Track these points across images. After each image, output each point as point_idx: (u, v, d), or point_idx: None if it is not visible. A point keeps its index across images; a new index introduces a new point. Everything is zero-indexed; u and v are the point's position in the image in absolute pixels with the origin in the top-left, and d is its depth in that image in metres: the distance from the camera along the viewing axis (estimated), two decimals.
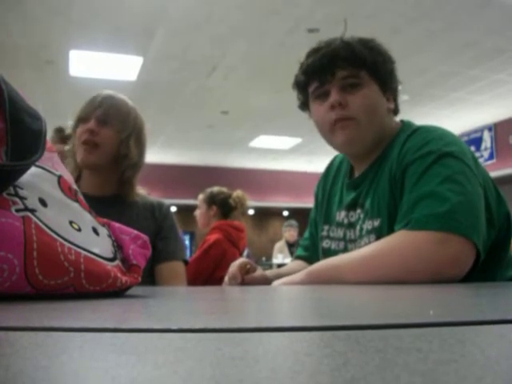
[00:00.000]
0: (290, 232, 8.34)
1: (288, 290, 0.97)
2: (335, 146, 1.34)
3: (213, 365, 0.23)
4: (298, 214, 11.45)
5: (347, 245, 1.34)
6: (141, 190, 1.78)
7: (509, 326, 0.35)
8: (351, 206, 1.35)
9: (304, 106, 1.40)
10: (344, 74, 1.27)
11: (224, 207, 3.41)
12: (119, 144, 1.66)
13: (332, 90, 1.28)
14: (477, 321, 0.36)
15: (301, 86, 1.37)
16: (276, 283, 1.25)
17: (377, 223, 1.23)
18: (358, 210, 1.32)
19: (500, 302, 0.61)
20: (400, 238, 1.09)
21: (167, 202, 1.88)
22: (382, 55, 1.32)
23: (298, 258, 1.59)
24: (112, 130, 1.64)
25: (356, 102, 1.26)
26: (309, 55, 1.33)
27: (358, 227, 1.31)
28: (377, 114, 1.29)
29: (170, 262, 1.70)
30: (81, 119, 1.64)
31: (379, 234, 1.21)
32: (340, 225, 1.39)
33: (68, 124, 1.80)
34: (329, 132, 1.30)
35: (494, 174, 7.97)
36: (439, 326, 0.34)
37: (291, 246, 8.09)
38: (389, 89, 1.33)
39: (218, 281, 3.05)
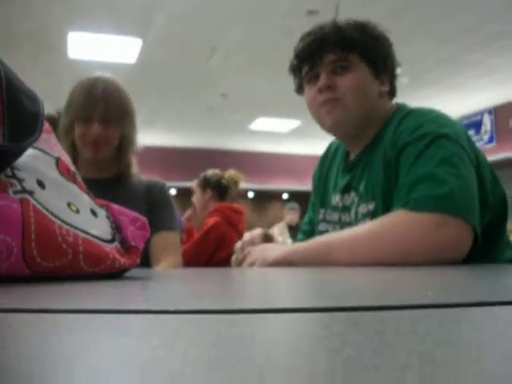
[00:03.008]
0: (292, 215, 8.37)
1: (286, 271, 0.98)
2: (325, 129, 1.35)
3: (209, 346, 0.23)
4: (297, 196, 11.44)
5: (343, 228, 1.34)
6: (135, 169, 1.78)
7: (505, 307, 0.35)
8: (345, 189, 1.36)
9: (300, 89, 1.42)
10: (332, 58, 1.29)
11: (218, 189, 3.41)
12: (121, 138, 1.69)
13: (321, 73, 1.30)
14: (474, 302, 0.36)
15: (295, 70, 1.39)
16: (273, 259, 1.19)
17: (371, 206, 1.23)
18: (352, 194, 1.33)
19: (497, 283, 0.61)
20: (399, 218, 1.08)
21: (167, 184, 1.88)
22: (375, 38, 1.32)
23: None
24: (115, 126, 1.65)
25: (344, 83, 1.28)
26: (301, 40, 1.35)
27: (353, 210, 1.31)
28: (365, 95, 1.30)
29: (164, 231, 1.69)
30: (80, 117, 1.62)
31: (374, 217, 1.20)
32: (335, 208, 1.39)
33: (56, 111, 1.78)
34: (317, 114, 1.33)
35: (493, 157, 7.97)
36: (437, 307, 0.34)
37: (291, 229, 8.11)
38: (382, 72, 1.33)
39: (218, 263, 3.06)
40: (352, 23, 1.32)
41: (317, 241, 1.20)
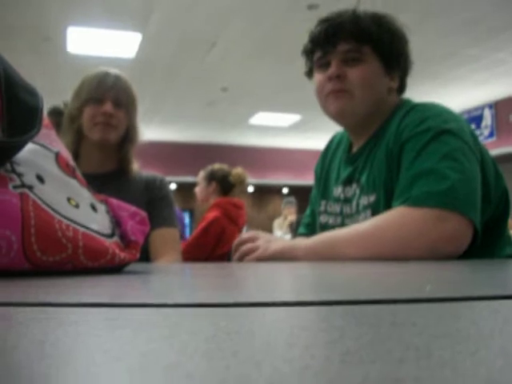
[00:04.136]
0: (289, 209, 8.42)
1: (285, 265, 0.98)
2: (329, 116, 1.35)
3: (208, 339, 0.23)
4: (297, 191, 11.45)
5: (344, 220, 1.35)
6: (135, 165, 1.79)
7: (503, 301, 0.35)
8: (347, 181, 1.36)
9: (310, 73, 1.41)
10: (346, 48, 1.28)
11: (223, 184, 3.41)
12: (128, 127, 1.71)
13: (333, 61, 1.29)
14: (472, 296, 0.36)
15: (308, 53, 1.39)
16: (275, 249, 1.21)
17: (372, 199, 1.24)
18: (354, 185, 1.33)
19: (495, 278, 0.61)
20: (399, 214, 1.09)
21: (167, 179, 1.88)
22: (392, 33, 1.32)
23: (300, 235, 1.59)
24: (124, 112, 1.68)
25: (354, 75, 1.27)
26: (318, 24, 1.34)
27: (354, 202, 1.31)
28: (373, 89, 1.29)
29: (164, 227, 1.70)
30: (92, 99, 1.64)
31: (375, 209, 1.21)
32: (337, 200, 1.39)
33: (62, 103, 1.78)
34: (324, 101, 1.33)
35: (494, 151, 7.96)
36: (435, 301, 0.35)
37: (290, 223, 8.14)
38: (394, 68, 1.33)
39: (218, 258, 3.06)
40: (371, 15, 1.31)
41: (321, 236, 1.20)
